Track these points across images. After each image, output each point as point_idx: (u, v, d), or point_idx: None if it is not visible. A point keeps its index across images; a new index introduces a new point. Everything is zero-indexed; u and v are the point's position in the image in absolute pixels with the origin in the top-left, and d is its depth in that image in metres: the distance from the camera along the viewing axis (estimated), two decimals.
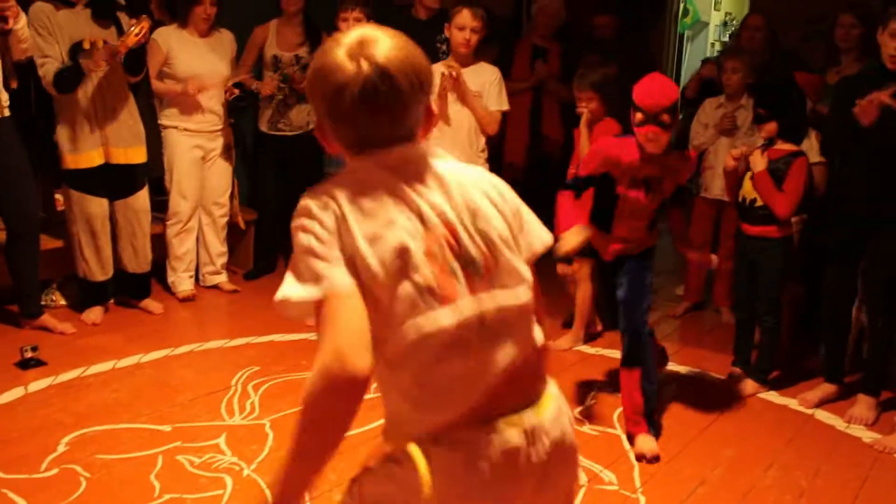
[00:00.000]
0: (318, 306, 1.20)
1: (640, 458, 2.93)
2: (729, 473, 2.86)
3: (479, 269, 1.28)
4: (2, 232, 3.82)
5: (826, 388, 3.47)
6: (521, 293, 1.32)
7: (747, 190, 3.47)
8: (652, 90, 2.84)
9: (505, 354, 1.29)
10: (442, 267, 1.25)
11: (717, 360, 3.85)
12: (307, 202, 1.26)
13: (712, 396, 3.51)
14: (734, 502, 2.68)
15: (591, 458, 2.89)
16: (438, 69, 3.94)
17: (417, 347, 1.24)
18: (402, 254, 1.22)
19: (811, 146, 3.78)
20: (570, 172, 3.76)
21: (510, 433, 1.28)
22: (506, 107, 3.99)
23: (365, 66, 1.22)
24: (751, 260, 3.52)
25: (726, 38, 10.15)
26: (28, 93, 3.83)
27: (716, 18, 10.57)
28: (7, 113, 3.58)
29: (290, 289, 1.22)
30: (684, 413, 3.34)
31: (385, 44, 1.25)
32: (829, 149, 3.79)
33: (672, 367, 3.80)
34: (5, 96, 3.57)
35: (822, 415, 3.37)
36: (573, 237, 2.74)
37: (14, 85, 3.58)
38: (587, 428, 3.16)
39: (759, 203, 3.42)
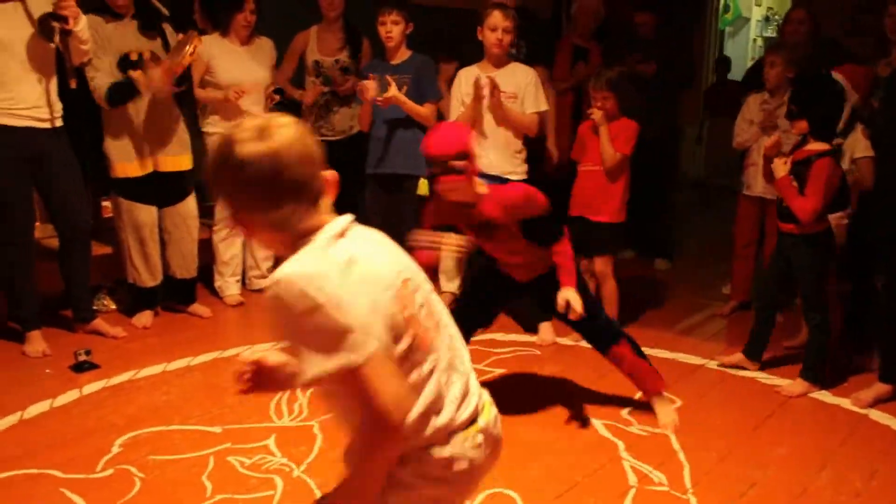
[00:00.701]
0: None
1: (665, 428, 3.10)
2: (781, 474, 2.81)
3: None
4: (55, 239, 3.91)
5: (880, 388, 3.40)
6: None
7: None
8: (437, 140, 2.69)
9: None
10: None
11: (766, 359, 3.79)
12: None
13: (762, 396, 3.46)
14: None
15: (640, 459, 2.87)
16: (470, 73, 3.96)
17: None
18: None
19: (857, 140, 3.71)
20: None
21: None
22: (544, 107, 3.98)
23: None
24: (786, 256, 3.49)
25: (768, 34, 10.02)
26: (79, 102, 3.91)
27: (757, 14, 10.44)
28: (60, 123, 3.66)
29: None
30: (735, 413, 3.29)
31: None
32: (877, 142, 3.71)
33: (721, 367, 3.76)
34: (59, 106, 3.65)
35: (877, 415, 3.30)
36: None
37: (73, 84, 3.64)
38: (635, 428, 3.13)
39: None
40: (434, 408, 1.47)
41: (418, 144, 3.97)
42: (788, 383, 3.52)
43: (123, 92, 3.77)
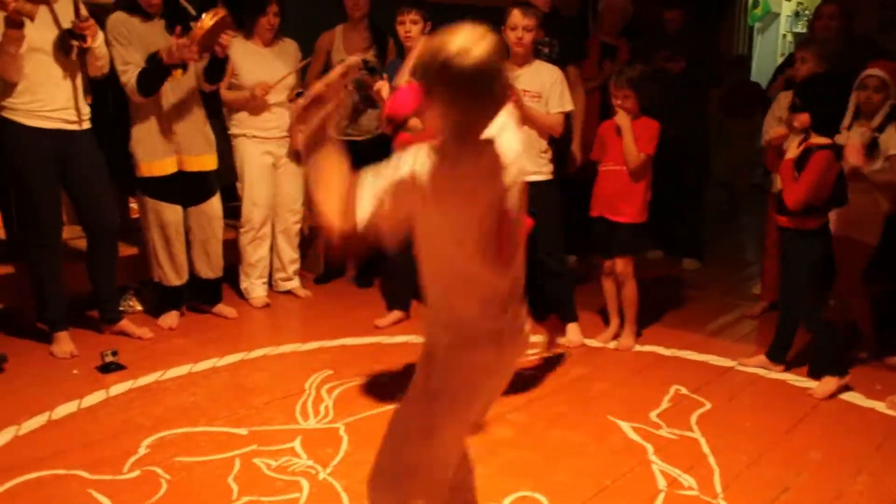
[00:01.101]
0: None
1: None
2: (814, 479, 2.75)
3: None
4: (82, 240, 3.93)
5: None
6: None
7: (779, 180, 3.45)
8: (394, 102, 2.85)
9: None
10: None
11: (796, 362, 3.73)
12: None
13: (795, 398, 3.40)
14: None
15: (669, 462, 2.83)
16: None
17: None
18: None
19: (891, 136, 3.62)
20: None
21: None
22: (569, 107, 3.93)
23: None
24: (784, 251, 3.50)
25: (798, 30, 9.88)
26: (105, 104, 3.93)
27: (787, 9, 10.28)
28: (88, 125, 3.68)
29: None
30: (766, 416, 3.24)
31: None
32: None
33: (752, 369, 3.70)
34: (86, 109, 3.67)
35: None
36: None
37: (89, 101, 3.68)
38: (664, 431, 3.09)
39: None
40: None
41: None
42: (816, 385, 3.46)
43: (152, 75, 3.76)
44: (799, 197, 3.31)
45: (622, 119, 3.80)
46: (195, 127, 4.01)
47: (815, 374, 3.52)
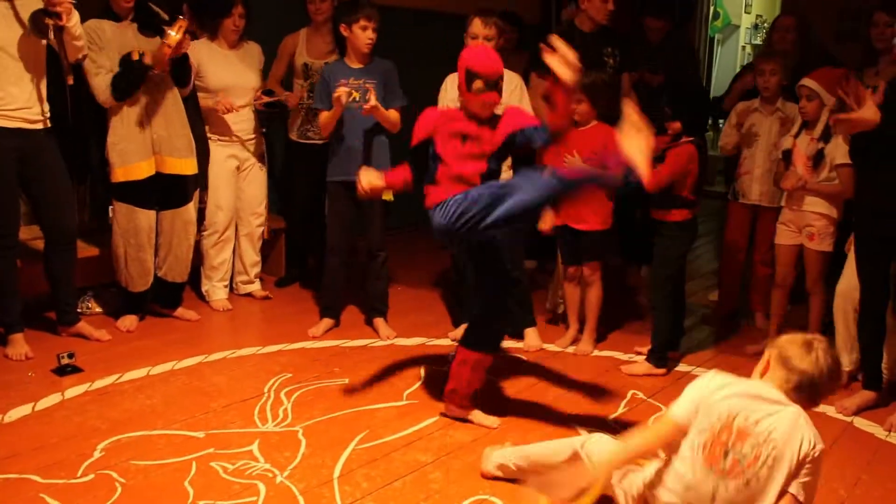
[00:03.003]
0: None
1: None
2: None
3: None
4: (39, 241, 3.88)
5: (865, 395, 3.41)
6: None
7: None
8: (493, 59, 3.03)
9: None
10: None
11: (752, 367, 3.79)
12: None
13: None
14: None
15: None
16: (456, 79, 3.95)
17: None
18: None
19: (837, 146, 3.69)
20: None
21: None
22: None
23: None
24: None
25: (757, 41, 10.07)
26: (66, 104, 3.88)
27: (746, 21, 10.49)
28: (48, 124, 3.64)
29: None
30: None
31: None
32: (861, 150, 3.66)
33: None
34: (46, 107, 3.62)
35: (861, 422, 3.32)
36: None
37: (70, 81, 3.67)
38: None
39: None
40: None
41: (381, 150, 3.96)
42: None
43: (126, 76, 3.74)
44: (658, 178, 3.51)
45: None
46: (175, 129, 3.97)
47: (654, 358, 3.78)
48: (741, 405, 2.17)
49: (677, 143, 3.61)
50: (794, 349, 2.19)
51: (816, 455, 2.13)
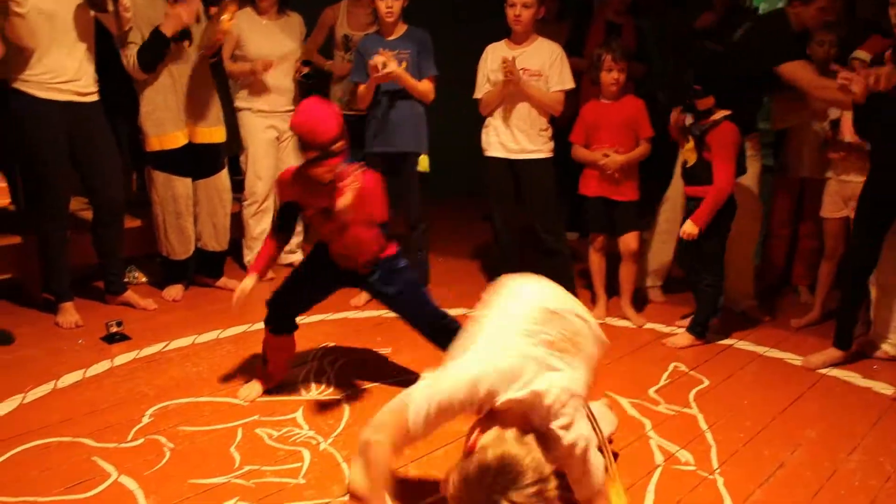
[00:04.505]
0: None
1: None
2: (810, 456, 2.78)
3: None
4: (88, 211, 3.96)
5: (832, 353, 3.51)
6: None
7: (686, 155, 3.66)
8: (320, 125, 2.62)
9: None
10: None
11: (796, 341, 3.76)
12: None
13: (793, 377, 3.43)
14: (815, 486, 2.60)
15: (667, 438, 2.85)
16: (497, 49, 3.92)
17: None
18: None
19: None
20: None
21: None
22: (569, 85, 3.93)
23: None
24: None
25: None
26: (116, 76, 3.94)
27: None
28: (97, 97, 3.69)
29: None
30: (763, 393, 3.26)
31: None
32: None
33: (751, 346, 3.73)
34: (96, 79, 3.68)
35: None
36: None
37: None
38: (663, 407, 3.12)
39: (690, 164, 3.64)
40: None
41: (418, 121, 3.95)
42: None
43: (151, 47, 3.78)
44: (730, 175, 3.52)
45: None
46: (205, 99, 4.03)
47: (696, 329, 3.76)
48: None
49: (715, 123, 3.52)
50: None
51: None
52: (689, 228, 3.55)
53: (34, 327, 3.74)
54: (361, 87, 3.93)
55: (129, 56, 3.79)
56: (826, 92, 3.48)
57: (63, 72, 3.53)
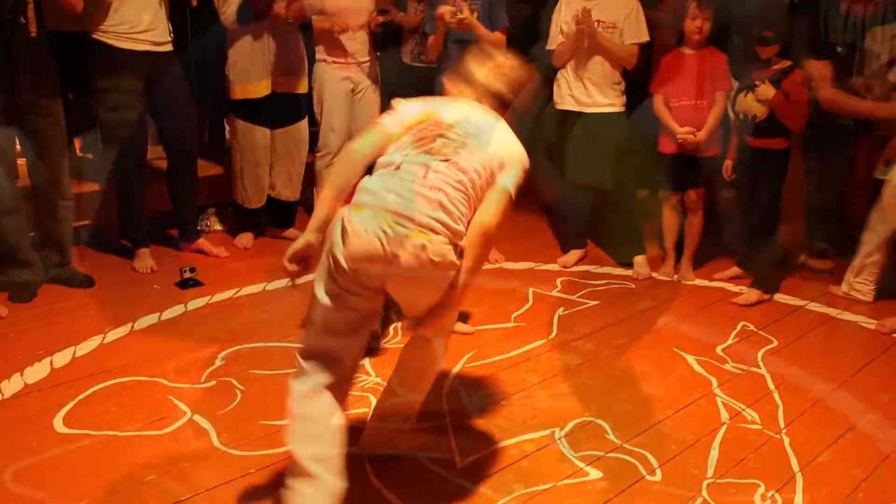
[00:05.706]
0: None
1: None
2: (882, 420, 2.73)
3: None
4: (164, 160, 4.05)
5: None
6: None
7: (750, 107, 3.66)
8: None
9: None
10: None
11: (870, 304, 3.67)
12: None
13: (865, 340, 3.36)
14: (885, 451, 2.55)
15: (733, 396, 2.83)
16: (572, 1, 3.84)
17: None
18: None
19: None
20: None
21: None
22: (644, 38, 3.84)
23: None
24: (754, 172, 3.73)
25: None
26: (186, 28, 3.99)
27: None
28: (170, 48, 3.76)
29: None
30: (835, 356, 3.20)
31: None
32: None
33: (823, 308, 3.65)
34: (170, 29, 3.73)
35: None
36: None
37: (194, 2, 3.84)
38: (730, 366, 3.08)
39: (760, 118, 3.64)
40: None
41: None
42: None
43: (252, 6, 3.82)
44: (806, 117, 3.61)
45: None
46: (290, 50, 4.05)
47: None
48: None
49: (786, 72, 3.50)
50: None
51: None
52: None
53: (112, 272, 3.86)
54: (431, 38, 3.92)
55: (226, 7, 3.84)
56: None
57: (139, 22, 3.59)
